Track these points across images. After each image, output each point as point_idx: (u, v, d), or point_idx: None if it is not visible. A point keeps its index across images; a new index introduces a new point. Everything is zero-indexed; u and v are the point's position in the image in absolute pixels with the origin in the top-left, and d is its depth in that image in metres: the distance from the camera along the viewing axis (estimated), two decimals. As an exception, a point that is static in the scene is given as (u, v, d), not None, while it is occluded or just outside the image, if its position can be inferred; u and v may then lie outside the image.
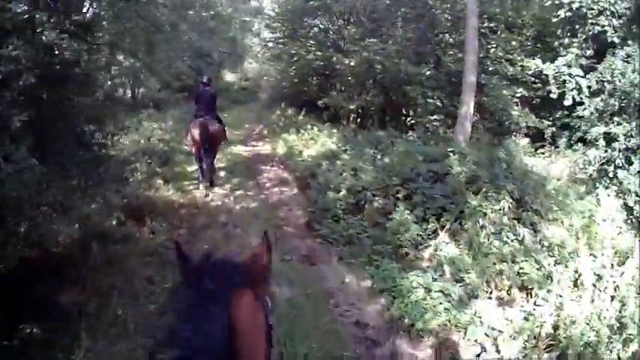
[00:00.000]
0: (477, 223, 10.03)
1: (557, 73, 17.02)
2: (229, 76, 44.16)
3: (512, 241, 9.61)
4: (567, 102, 16.52)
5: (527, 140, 17.82)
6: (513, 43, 19.71)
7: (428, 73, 19.28)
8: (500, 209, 10.19)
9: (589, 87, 15.88)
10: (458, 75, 18.00)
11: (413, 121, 19.47)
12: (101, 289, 8.24)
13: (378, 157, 14.34)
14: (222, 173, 16.72)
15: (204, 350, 1.93)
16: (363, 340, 7.84)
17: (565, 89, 16.67)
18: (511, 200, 10.34)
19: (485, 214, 10.14)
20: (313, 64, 23.44)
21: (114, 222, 10.72)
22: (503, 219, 10.08)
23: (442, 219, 10.52)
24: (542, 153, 16.95)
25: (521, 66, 18.87)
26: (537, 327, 7.57)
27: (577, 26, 16.87)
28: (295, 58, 23.96)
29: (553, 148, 17.17)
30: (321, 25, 25.56)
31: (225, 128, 16.18)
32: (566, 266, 8.81)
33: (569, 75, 16.77)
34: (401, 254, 10.00)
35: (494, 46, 19.86)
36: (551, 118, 18.32)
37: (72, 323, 7.05)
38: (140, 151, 16.70)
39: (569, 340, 7.21)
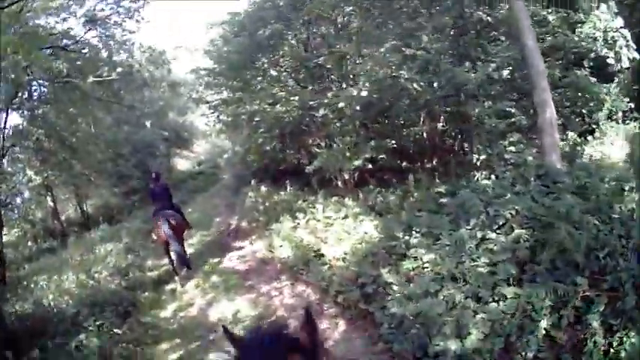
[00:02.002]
0: None
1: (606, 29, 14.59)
2: (181, 164, 39.08)
3: None
4: (624, 63, 14.41)
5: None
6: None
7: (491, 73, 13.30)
8: None
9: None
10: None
11: (480, 157, 14.12)
12: None
13: (478, 235, 8.42)
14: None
15: None
16: None
17: (617, 49, 14.40)
18: None
19: None
20: (284, 119, 16.75)
21: None
22: None
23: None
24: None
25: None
26: None
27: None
28: (257, 119, 17.21)
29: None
30: (292, 46, 17.99)
31: (184, 215, 15.44)
32: None
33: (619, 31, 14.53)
34: None
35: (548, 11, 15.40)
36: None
37: None
38: (89, 304, 11.93)
39: None
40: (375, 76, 14.08)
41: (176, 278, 14.27)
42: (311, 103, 15.50)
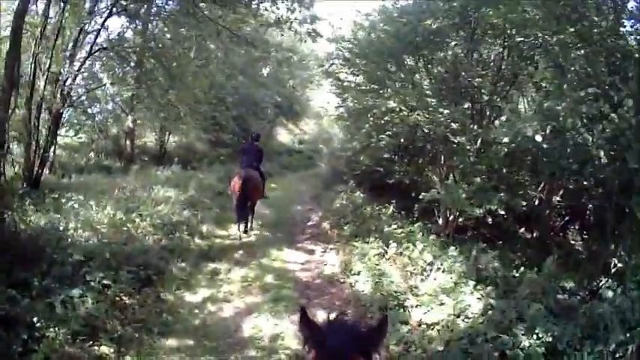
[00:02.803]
0: None
1: None
2: (282, 135, 37.46)
3: None
4: None
5: None
6: None
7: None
8: None
9: None
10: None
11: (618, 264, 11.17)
12: None
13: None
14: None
15: None
16: None
17: None
18: None
19: None
20: (418, 131, 13.93)
21: None
22: None
23: None
24: None
25: None
26: None
27: None
28: (386, 119, 13.89)
29: None
30: (456, 54, 14.32)
31: (265, 182, 15.68)
32: None
33: None
34: None
35: None
36: None
37: None
38: (107, 252, 9.49)
39: None
40: (557, 120, 10.88)
41: (234, 229, 14.46)
42: (453, 125, 12.57)
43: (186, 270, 11.02)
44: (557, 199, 14.24)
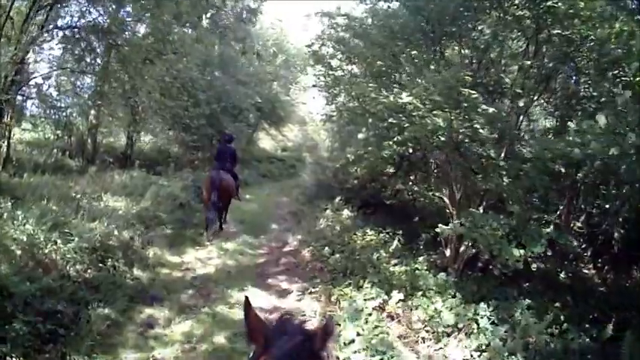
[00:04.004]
0: None
1: None
2: (264, 141, 35.45)
3: None
4: None
5: None
6: None
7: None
8: None
9: None
10: None
11: None
12: None
13: None
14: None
15: None
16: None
17: None
18: None
19: None
20: (438, 136, 10.00)
21: None
22: None
23: None
24: None
25: None
26: None
27: None
28: (392, 121, 10.19)
29: None
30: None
31: (239, 185, 15.24)
32: None
33: None
34: None
35: None
36: None
37: None
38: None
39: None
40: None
41: (204, 235, 13.62)
42: (482, 131, 9.37)
43: (110, 318, 7.82)
44: (578, 224, 12.66)
